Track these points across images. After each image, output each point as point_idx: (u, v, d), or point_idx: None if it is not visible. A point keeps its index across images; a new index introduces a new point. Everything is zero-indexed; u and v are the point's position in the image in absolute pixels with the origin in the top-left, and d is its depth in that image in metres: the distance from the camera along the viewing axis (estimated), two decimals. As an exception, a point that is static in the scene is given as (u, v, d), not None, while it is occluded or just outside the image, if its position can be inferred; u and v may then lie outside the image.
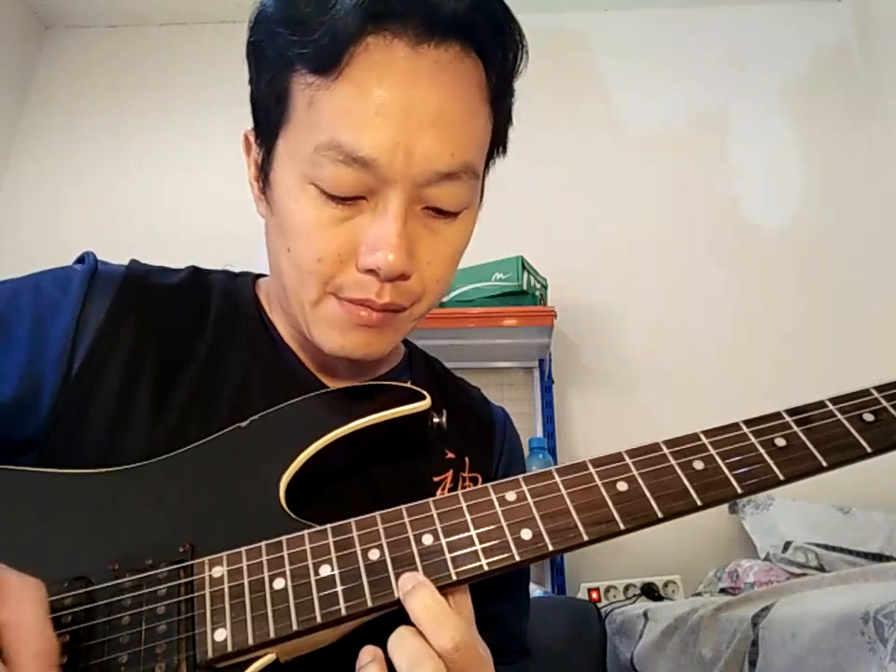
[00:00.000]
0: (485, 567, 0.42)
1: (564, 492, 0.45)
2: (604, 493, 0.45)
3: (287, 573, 0.42)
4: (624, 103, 2.53)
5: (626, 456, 0.46)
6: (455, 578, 0.42)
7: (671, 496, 0.44)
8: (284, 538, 0.44)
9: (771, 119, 2.48)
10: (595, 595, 1.88)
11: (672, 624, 1.28)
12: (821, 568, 1.60)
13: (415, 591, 0.41)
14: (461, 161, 0.53)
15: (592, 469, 0.46)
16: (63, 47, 2.73)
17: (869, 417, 0.47)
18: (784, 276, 2.28)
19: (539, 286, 2.08)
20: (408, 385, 0.58)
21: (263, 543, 0.44)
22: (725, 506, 2.00)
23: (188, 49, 2.65)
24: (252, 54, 0.59)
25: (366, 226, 0.52)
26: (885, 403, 0.48)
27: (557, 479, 0.45)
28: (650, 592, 1.86)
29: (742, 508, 1.94)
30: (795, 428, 0.47)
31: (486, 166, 0.63)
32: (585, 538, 0.43)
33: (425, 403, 0.55)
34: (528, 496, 0.45)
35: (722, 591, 1.68)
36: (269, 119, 0.56)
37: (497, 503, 0.45)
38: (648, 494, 0.44)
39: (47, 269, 0.60)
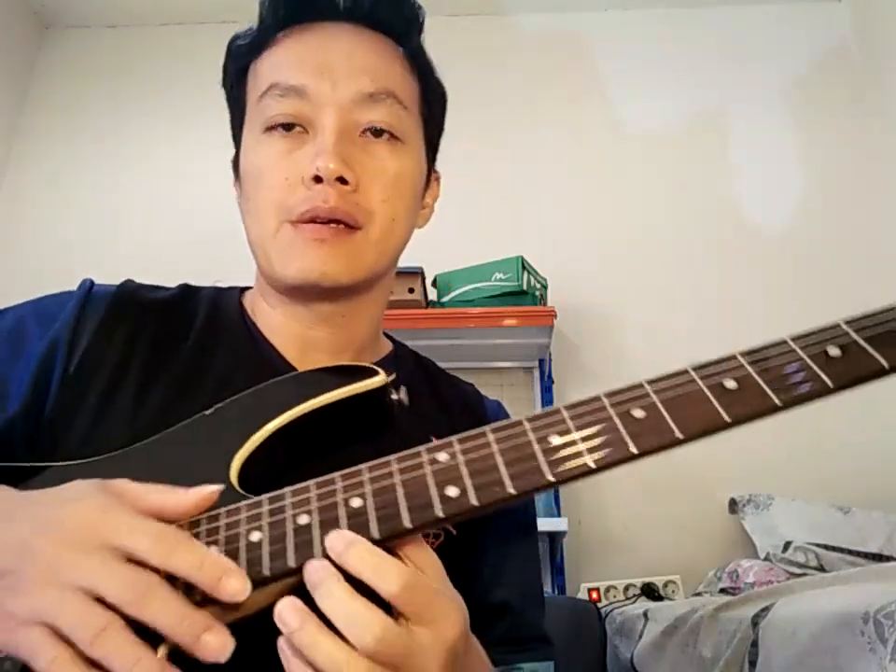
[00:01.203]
0: (408, 525, 0.42)
1: (495, 448, 0.44)
2: (535, 447, 0.43)
3: (221, 540, 0.43)
4: (624, 103, 2.53)
5: (564, 410, 0.45)
6: (378, 536, 0.42)
7: (605, 444, 0.42)
8: (223, 509, 0.45)
9: (771, 119, 2.48)
10: (595, 595, 1.88)
11: (672, 624, 1.28)
12: (821, 568, 1.60)
13: (350, 549, 0.41)
14: (381, 85, 0.63)
15: (527, 425, 0.44)
16: (63, 47, 2.74)
17: (835, 351, 0.43)
18: (784, 276, 2.28)
19: (539, 286, 2.09)
20: (368, 364, 0.58)
21: (204, 515, 0.45)
22: (725, 506, 2.00)
23: (188, 49, 2.65)
24: (225, 82, 0.70)
25: (307, 151, 0.61)
26: (854, 336, 0.44)
27: (490, 437, 0.44)
28: (650, 592, 1.86)
29: (742, 508, 1.95)
30: (749, 369, 0.44)
31: (430, 126, 0.71)
32: (511, 491, 0.42)
33: (379, 379, 0.55)
34: (459, 455, 0.44)
35: (722, 591, 1.68)
36: (235, 121, 0.68)
37: (427, 464, 0.44)
38: (581, 446, 0.43)
39: (49, 294, 0.67)
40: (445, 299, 2.07)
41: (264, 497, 0.46)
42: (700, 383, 0.44)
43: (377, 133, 0.63)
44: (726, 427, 0.42)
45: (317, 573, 0.40)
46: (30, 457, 0.55)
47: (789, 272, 2.28)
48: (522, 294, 2.00)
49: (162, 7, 2.67)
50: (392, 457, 0.46)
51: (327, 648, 0.38)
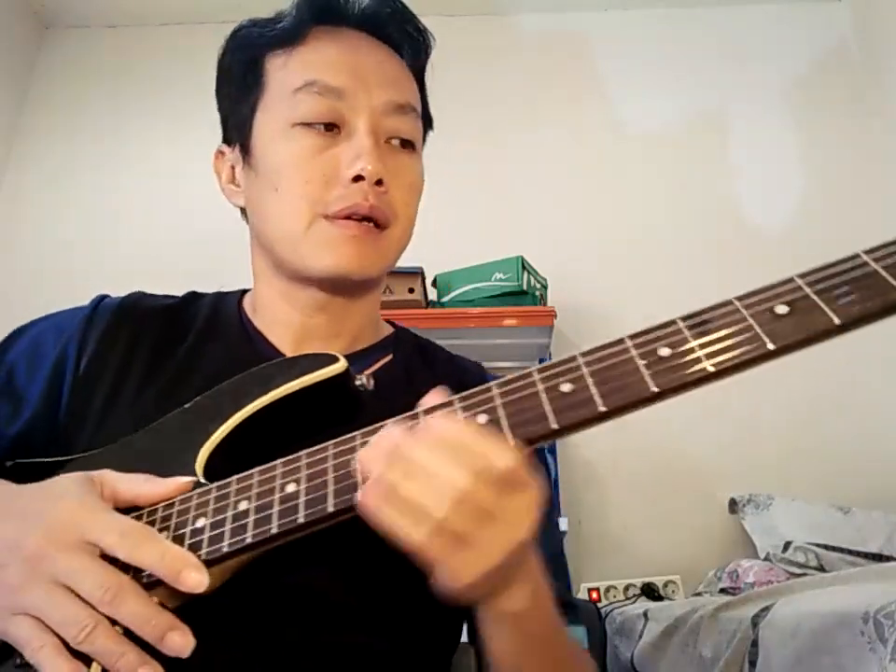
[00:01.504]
0: (331, 509, 0.43)
1: None
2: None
3: (172, 526, 0.46)
4: (624, 103, 2.53)
5: (494, 388, 0.45)
6: (302, 521, 0.43)
7: (530, 421, 0.42)
8: (178, 497, 0.48)
9: (771, 119, 2.48)
10: (595, 595, 1.87)
11: (672, 624, 1.28)
12: (821, 568, 1.60)
13: (467, 425, 0.41)
14: (405, 98, 0.68)
15: (457, 405, 0.45)
16: (63, 47, 2.73)
17: (782, 309, 0.40)
18: (784, 276, 2.28)
19: (539, 286, 2.08)
20: (331, 352, 0.58)
21: (161, 504, 0.48)
22: (725, 506, 2.00)
23: (188, 49, 2.65)
24: (226, 69, 0.71)
25: (344, 151, 0.64)
26: (807, 290, 0.40)
27: (422, 418, 0.45)
28: (650, 592, 1.86)
29: (742, 508, 1.94)
30: (686, 334, 0.42)
31: (424, 140, 0.75)
32: None
33: (339, 366, 0.56)
34: None
35: (722, 591, 1.68)
36: (242, 108, 0.69)
37: (360, 447, 0.45)
38: (504, 424, 0.43)
39: (66, 308, 0.71)
40: (445, 299, 2.07)
41: (214, 485, 0.48)
42: (633, 352, 0.44)
43: (404, 143, 0.68)
44: (653, 398, 0.41)
45: (397, 435, 0.42)
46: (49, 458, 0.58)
47: (789, 272, 2.27)
48: (522, 294, 2.00)
49: (162, 6, 2.66)
50: (330, 443, 0.47)
51: (417, 485, 0.40)
